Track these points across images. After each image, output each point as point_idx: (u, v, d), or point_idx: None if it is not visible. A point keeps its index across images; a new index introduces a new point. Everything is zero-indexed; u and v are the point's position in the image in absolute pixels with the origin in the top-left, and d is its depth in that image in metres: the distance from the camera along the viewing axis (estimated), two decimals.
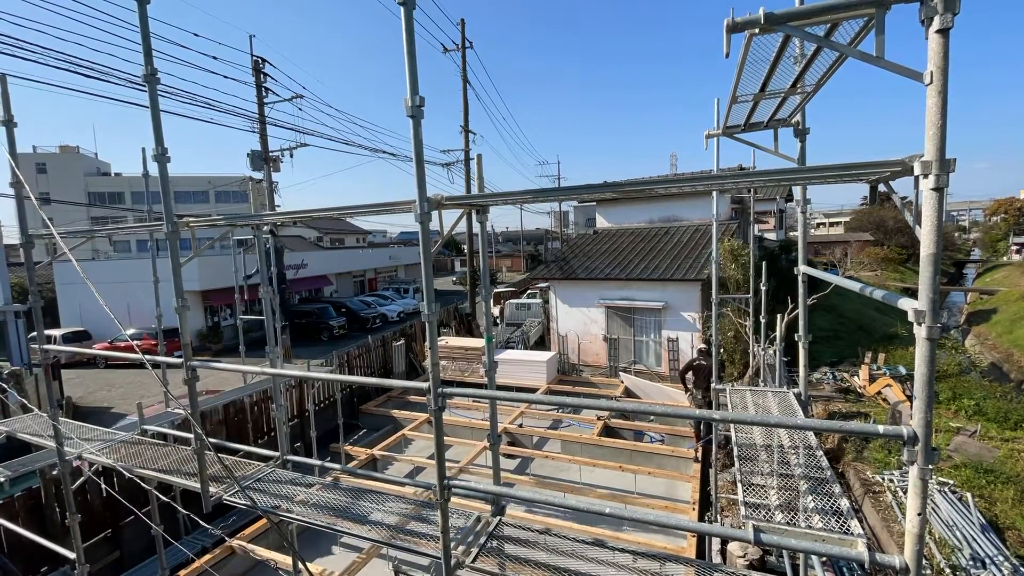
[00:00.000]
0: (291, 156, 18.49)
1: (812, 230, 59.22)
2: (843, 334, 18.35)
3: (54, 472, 6.18)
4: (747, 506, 3.32)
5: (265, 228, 5.75)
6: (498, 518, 3.65)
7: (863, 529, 7.35)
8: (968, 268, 51.40)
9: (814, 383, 12.61)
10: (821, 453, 3.77)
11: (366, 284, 37.66)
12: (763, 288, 7.23)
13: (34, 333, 5.09)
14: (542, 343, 18.64)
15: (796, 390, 5.35)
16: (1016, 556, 6.07)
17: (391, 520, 3.72)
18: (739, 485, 3.55)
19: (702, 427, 8.77)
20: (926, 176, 1.91)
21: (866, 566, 2.07)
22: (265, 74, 17.01)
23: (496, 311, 22.00)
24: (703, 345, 9.50)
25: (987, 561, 5.88)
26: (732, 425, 4.56)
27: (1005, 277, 33.68)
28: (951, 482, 7.65)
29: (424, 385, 3.02)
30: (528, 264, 56.19)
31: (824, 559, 5.14)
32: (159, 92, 3.55)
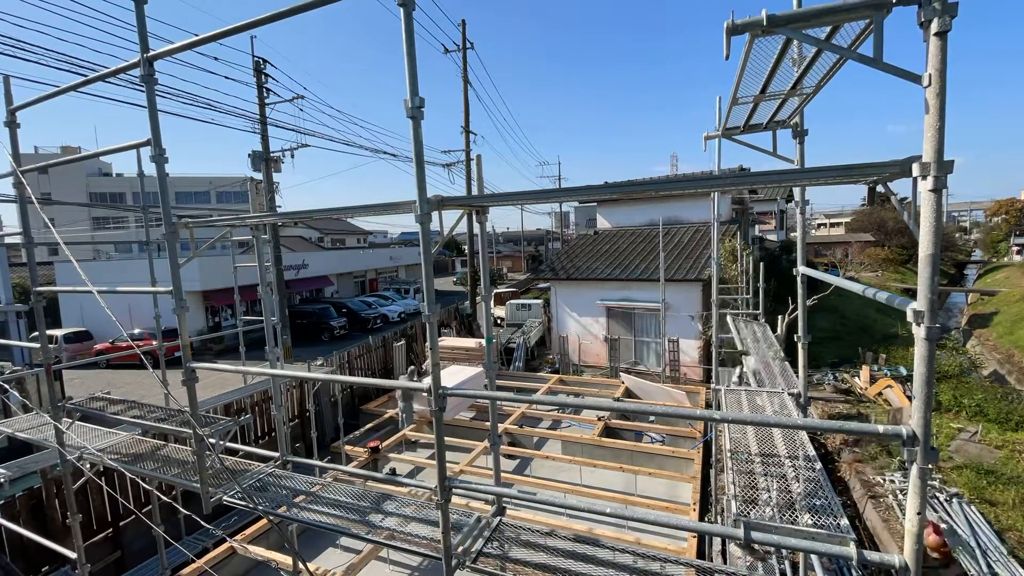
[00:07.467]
0: (292, 156, 18.50)
1: (813, 231, 59.27)
2: (844, 335, 18.35)
3: (56, 471, 6.19)
4: (739, 501, 3.29)
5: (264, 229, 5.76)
6: (498, 519, 3.65)
7: (864, 529, 7.33)
8: (969, 269, 51.28)
9: (814, 384, 12.60)
10: (820, 466, 3.71)
11: (367, 284, 37.67)
12: (763, 289, 7.23)
13: (35, 333, 5.11)
14: (543, 344, 18.65)
15: (795, 390, 5.33)
16: (1015, 557, 6.06)
17: (391, 520, 3.72)
18: (730, 484, 3.52)
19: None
20: (924, 177, 1.91)
21: (854, 562, 2.06)
22: (266, 75, 17.02)
23: (501, 312, 21.99)
24: None
25: (987, 563, 5.88)
26: (726, 427, 4.53)
27: (1006, 278, 33.60)
28: (954, 486, 7.64)
29: (424, 386, 3.02)
30: (529, 264, 56.23)
31: (824, 560, 5.13)
32: (160, 93, 3.56)
